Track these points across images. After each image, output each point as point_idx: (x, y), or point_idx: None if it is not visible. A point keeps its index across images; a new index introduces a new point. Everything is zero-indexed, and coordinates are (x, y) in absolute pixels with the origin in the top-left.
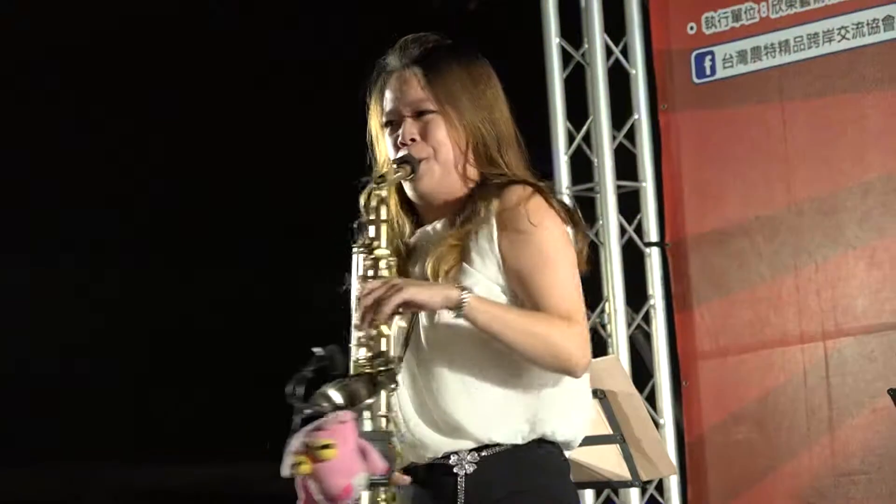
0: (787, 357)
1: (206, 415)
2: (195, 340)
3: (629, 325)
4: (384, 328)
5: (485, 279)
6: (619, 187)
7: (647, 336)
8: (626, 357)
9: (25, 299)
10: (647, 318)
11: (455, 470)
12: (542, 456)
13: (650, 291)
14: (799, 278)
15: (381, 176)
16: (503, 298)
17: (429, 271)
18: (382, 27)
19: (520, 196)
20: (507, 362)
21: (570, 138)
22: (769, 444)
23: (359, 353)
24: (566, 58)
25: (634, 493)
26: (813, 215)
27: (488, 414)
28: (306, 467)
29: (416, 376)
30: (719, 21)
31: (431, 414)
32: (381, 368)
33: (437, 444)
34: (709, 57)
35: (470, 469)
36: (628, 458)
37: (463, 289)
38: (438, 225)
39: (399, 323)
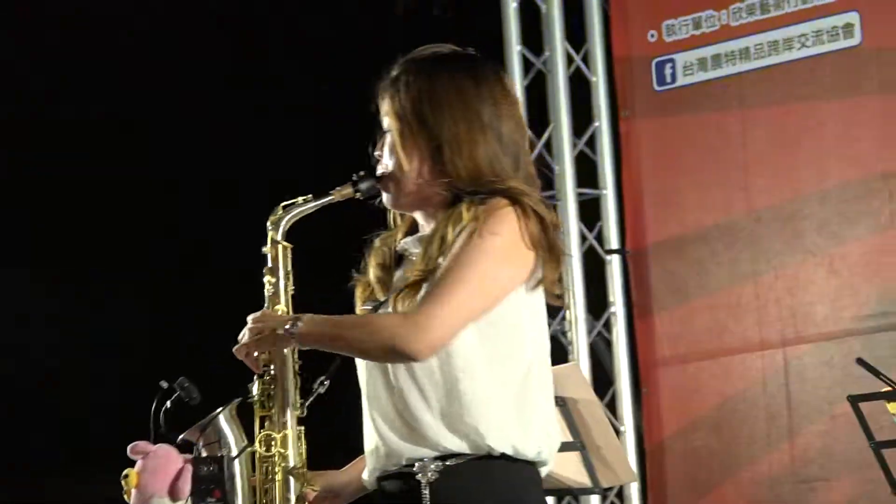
0: (747, 364)
1: None
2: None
3: (590, 332)
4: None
5: None
6: (579, 195)
7: (608, 343)
8: (586, 364)
9: None
10: (607, 326)
11: (418, 477)
12: (509, 469)
13: (611, 299)
14: (758, 285)
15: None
16: None
17: (390, 306)
18: (347, 33)
19: (492, 207)
20: (454, 374)
21: (531, 146)
22: (729, 450)
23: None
24: (527, 65)
25: (595, 500)
26: (772, 223)
27: (442, 423)
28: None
29: (388, 384)
30: (680, 28)
31: (396, 421)
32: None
33: (402, 449)
34: (669, 64)
35: (433, 477)
36: (589, 465)
37: (295, 320)
38: (409, 242)
39: None
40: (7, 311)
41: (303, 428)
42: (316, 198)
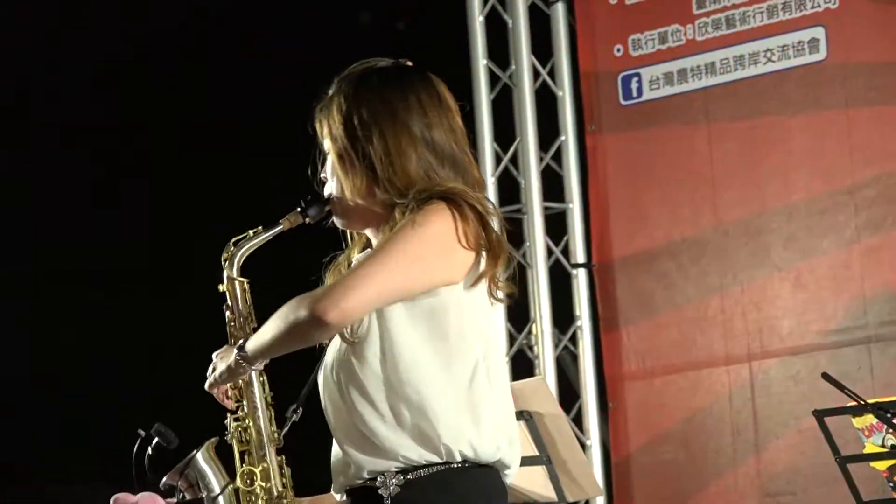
0: (713, 378)
1: None
2: None
3: (556, 346)
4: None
5: None
6: (546, 209)
7: (574, 357)
8: (552, 378)
9: None
10: (573, 340)
11: (380, 491)
12: (470, 477)
13: (577, 312)
14: (725, 300)
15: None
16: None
17: None
18: (311, 46)
19: (425, 207)
20: (400, 380)
21: (498, 160)
22: (695, 464)
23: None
24: (493, 79)
25: None
26: (739, 237)
27: (396, 432)
28: None
29: (343, 399)
30: (646, 43)
31: (355, 435)
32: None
33: (363, 463)
34: (635, 79)
35: (394, 491)
36: (555, 480)
37: (240, 346)
38: (360, 257)
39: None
40: None
41: (282, 457)
42: (266, 229)
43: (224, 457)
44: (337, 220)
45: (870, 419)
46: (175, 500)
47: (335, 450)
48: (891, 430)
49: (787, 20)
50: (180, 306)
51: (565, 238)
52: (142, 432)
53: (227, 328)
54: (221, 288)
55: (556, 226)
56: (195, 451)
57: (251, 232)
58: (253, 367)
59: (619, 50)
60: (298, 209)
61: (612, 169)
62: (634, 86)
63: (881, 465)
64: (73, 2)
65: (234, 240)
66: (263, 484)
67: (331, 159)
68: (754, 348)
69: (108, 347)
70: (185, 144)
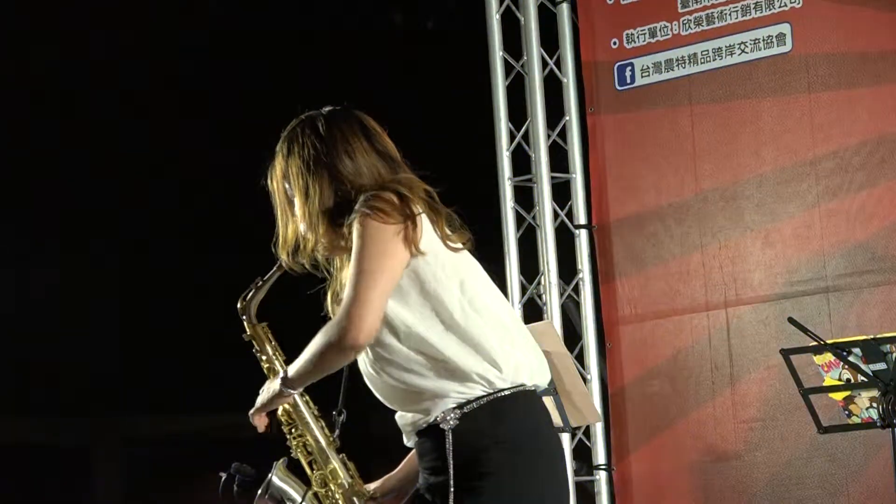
0: (695, 322)
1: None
2: None
3: (561, 295)
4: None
5: None
6: (552, 178)
7: (577, 304)
8: (558, 322)
9: None
10: (576, 290)
11: (441, 426)
12: (516, 402)
13: (579, 267)
14: (705, 255)
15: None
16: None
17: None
18: (349, 45)
19: (356, 223)
20: (421, 345)
21: (512, 137)
22: (679, 395)
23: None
24: (508, 68)
25: (565, 438)
26: (716, 202)
27: (441, 381)
28: None
29: (390, 381)
30: (638, 37)
31: (411, 398)
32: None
33: (424, 412)
34: (629, 68)
35: (454, 424)
36: (560, 408)
37: (282, 378)
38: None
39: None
40: None
41: (343, 454)
42: (266, 279)
43: (296, 471)
44: (319, 253)
45: (828, 357)
46: None
47: (398, 414)
48: (846, 367)
49: (759, 17)
50: None
51: (569, 203)
52: (222, 474)
53: (262, 366)
54: (245, 337)
55: (562, 193)
56: (269, 475)
57: (252, 286)
58: (293, 394)
59: (615, 43)
60: (280, 260)
61: (609, 145)
62: (628, 74)
63: (838, 396)
64: None
65: (242, 296)
66: (335, 482)
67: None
68: (730, 297)
69: None
70: None
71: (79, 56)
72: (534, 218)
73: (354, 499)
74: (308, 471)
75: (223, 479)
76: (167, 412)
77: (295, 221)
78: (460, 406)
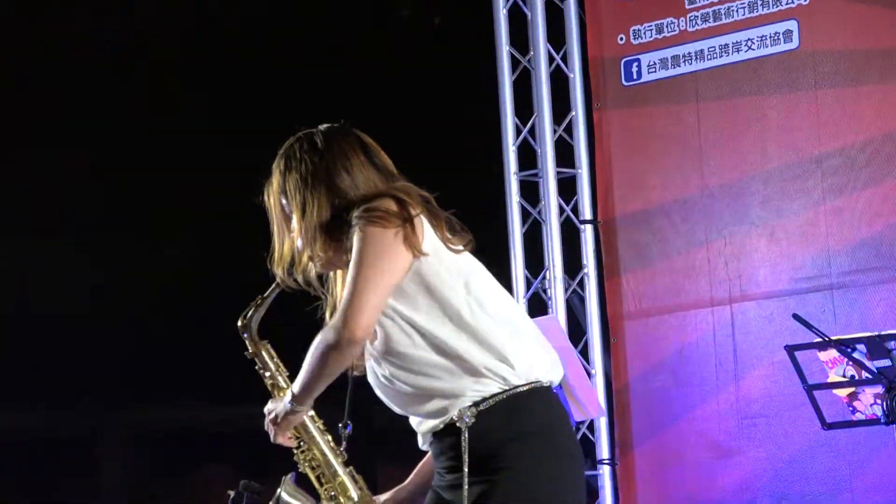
0: (699, 318)
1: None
2: None
3: (567, 290)
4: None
5: None
6: (558, 173)
7: (582, 299)
8: (563, 317)
9: None
10: (581, 284)
11: (458, 424)
12: (532, 398)
13: (584, 262)
14: (710, 251)
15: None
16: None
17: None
18: (355, 40)
19: (358, 229)
20: (433, 347)
21: (518, 131)
22: (683, 391)
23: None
24: (515, 63)
25: None
26: (722, 198)
27: (455, 379)
28: None
29: (402, 388)
30: (645, 33)
31: (424, 402)
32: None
33: (440, 413)
34: (636, 64)
35: (470, 422)
36: (564, 402)
37: (289, 398)
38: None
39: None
40: None
41: (351, 467)
42: (265, 297)
43: (304, 486)
44: (315, 267)
45: (833, 353)
46: None
47: (412, 419)
48: (850, 363)
49: (766, 14)
50: None
51: (575, 198)
52: (231, 493)
53: (266, 383)
54: (247, 355)
55: (567, 188)
56: (279, 490)
57: (252, 304)
58: (304, 410)
59: (621, 39)
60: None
61: (615, 140)
62: (635, 69)
63: (842, 392)
64: None
65: (243, 314)
66: (345, 495)
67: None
68: (735, 293)
69: None
70: None
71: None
72: (539, 213)
73: None
74: (316, 485)
75: (231, 497)
76: (173, 405)
77: (291, 238)
78: (476, 404)
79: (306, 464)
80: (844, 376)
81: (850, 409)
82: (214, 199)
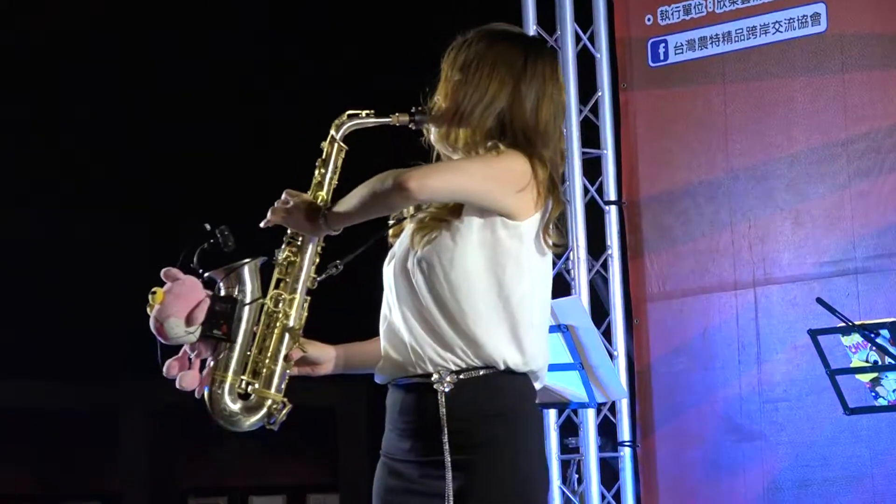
0: (723, 301)
1: None
2: None
3: (590, 270)
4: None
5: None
6: (583, 154)
7: (605, 280)
8: (586, 298)
9: None
10: (605, 266)
11: (435, 386)
12: (512, 381)
13: (608, 243)
14: (734, 234)
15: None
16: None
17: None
18: (381, 17)
19: (510, 149)
20: (463, 297)
21: None
22: (706, 374)
23: (279, 253)
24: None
25: (591, 413)
26: (747, 181)
27: (458, 336)
28: (153, 303)
29: (413, 293)
30: (672, 14)
31: (422, 326)
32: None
33: (426, 353)
34: (663, 45)
35: (449, 389)
36: (586, 384)
37: (327, 209)
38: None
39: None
40: None
41: (309, 298)
42: (377, 115)
43: (265, 276)
44: (434, 134)
45: (856, 338)
46: (211, 293)
47: (386, 347)
48: (874, 348)
49: None
50: None
51: (600, 179)
52: (207, 226)
53: (313, 178)
54: (322, 145)
55: (593, 168)
56: (247, 260)
57: (364, 113)
58: (331, 230)
59: (649, 19)
60: (409, 112)
61: (641, 121)
62: (662, 50)
63: (865, 378)
64: None
65: (348, 112)
66: (287, 310)
67: (445, 88)
68: (758, 276)
69: None
70: None
71: None
72: (564, 193)
73: (287, 336)
74: (272, 285)
75: (203, 231)
76: None
77: (464, 99)
78: (457, 372)
79: (283, 261)
80: (867, 361)
81: (873, 394)
82: None
